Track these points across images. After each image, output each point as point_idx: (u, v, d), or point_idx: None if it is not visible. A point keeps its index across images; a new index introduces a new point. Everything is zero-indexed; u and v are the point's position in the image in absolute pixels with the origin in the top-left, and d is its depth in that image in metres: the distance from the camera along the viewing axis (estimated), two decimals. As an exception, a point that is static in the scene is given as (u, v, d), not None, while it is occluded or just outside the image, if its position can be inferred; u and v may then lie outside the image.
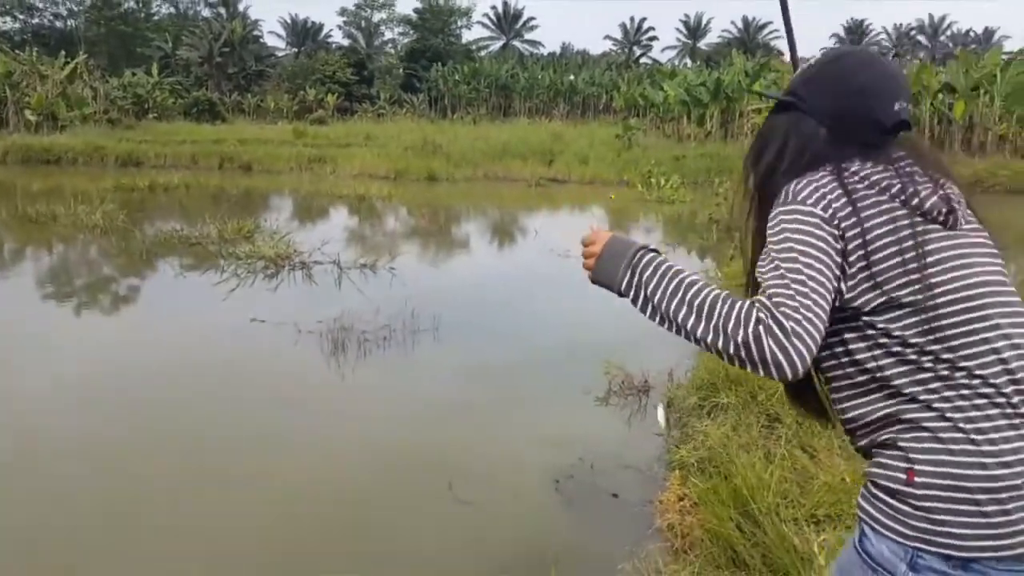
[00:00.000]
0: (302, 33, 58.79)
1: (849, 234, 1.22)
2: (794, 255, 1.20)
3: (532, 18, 65.21)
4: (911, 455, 1.20)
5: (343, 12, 56.72)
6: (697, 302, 1.20)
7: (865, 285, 1.22)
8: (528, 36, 64.31)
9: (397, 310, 6.37)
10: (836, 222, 1.23)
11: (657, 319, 1.27)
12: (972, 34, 59.44)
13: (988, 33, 58.09)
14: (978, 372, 1.19)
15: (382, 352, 5.74)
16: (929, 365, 1.20)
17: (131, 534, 3.32)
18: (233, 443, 4.27)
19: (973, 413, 1.18)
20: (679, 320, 1.22)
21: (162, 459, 4.01)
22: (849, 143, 1.31)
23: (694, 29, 65.93)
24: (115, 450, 4.13)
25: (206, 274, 8.36)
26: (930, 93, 22.39)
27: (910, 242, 1.22)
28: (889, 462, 1.23)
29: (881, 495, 1.23)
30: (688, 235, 11.37)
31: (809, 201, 1.25)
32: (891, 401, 1.23)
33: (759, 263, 1.26)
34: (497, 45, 62.87)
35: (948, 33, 60.75)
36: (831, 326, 1.22)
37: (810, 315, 1.14)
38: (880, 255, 1.22)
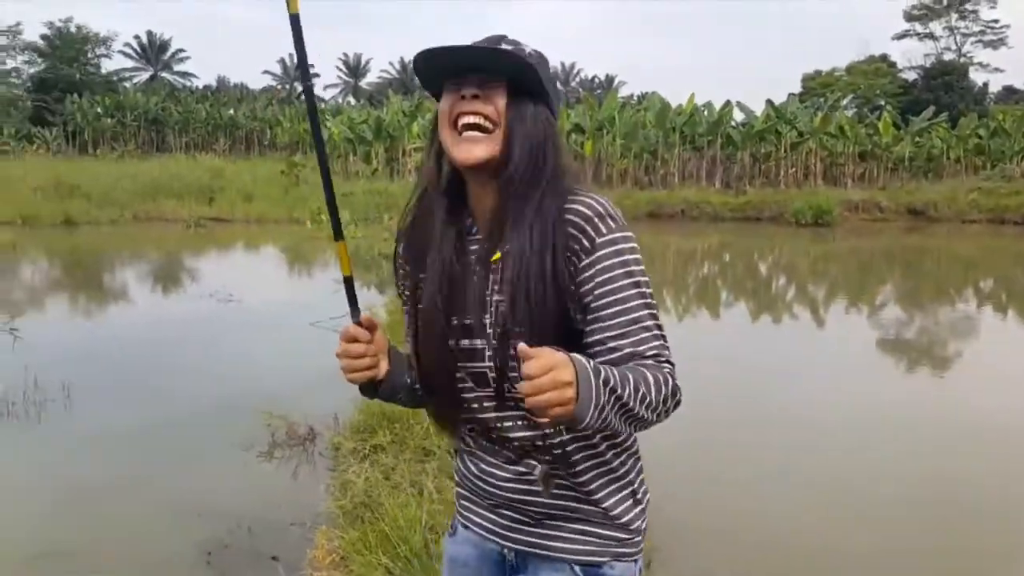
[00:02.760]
0: None
1: None
2: (653, 301, 1.15)
3: (181, 49, 61.01)
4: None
5: (-52, 38, 47.52)
6: (652, 396, 1.07)
7: None
8: (179, 68, 60.42)
9: (16, 380, 5.46)
10: None
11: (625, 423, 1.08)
12: (597, 80, 68.77)
13: (609, 80, 67.66)
14: None
15: (-6, 434, 4.87)
16: None
17: None
18: None
19: None
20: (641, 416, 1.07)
21: None
22: None
23: (354, 68, 67.24)
24: None
25: None
26: (564, 134, 25.40)
27: None
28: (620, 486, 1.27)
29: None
30: (361, 271, 11.44)
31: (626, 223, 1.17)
32: None
33: (642, 307, 1.14)
34: (144, 76, 57.97)
35: (578, 79, 69.51)
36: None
37: None
38: None
